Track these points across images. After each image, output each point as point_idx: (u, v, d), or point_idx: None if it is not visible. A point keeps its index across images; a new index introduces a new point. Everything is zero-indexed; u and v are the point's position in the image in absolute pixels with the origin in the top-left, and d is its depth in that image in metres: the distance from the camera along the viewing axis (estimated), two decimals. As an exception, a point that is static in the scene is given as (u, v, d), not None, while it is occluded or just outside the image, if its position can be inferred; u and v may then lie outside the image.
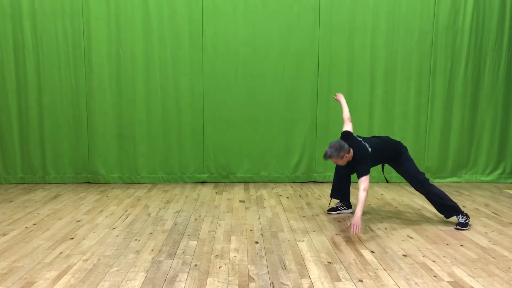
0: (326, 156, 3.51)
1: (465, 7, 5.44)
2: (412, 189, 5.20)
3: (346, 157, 3.53)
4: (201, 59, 5.38)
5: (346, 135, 3.75)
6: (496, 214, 4.15)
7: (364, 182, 3.46)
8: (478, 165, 5.72)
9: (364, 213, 4.12)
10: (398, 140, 3.94)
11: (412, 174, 3.72)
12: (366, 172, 3.50)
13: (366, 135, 5.52)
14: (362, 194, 3.40)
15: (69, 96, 5.32)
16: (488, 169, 5.72)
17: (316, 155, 5.58)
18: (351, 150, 3.57)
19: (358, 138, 3.72)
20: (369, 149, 3.59)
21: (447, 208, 3.70)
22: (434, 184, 3.87)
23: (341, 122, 5.42)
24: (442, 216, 4.02)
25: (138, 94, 5.37)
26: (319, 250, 3.12)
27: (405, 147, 3.87)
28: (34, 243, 3.23)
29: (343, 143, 3.53)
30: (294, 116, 5.52)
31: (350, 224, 3.39)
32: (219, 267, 2.79)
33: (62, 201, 4.55)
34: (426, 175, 3.79)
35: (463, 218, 3.68)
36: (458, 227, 3.65)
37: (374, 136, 3.95)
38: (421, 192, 3.74)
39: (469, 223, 3.70)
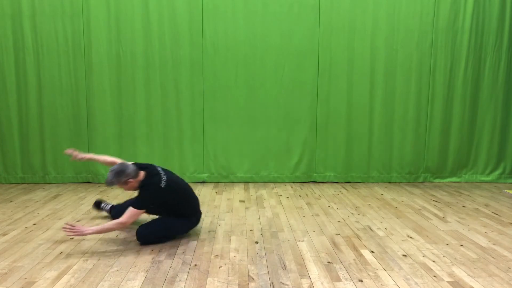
0: (107, 183, 3.05)
1: (465, 8, 5.44)
2: (412, 189, 5.21)
3: (131, 182, 3.07)
4: (201, 59, 5.38)
5: (145, 165, 3.27)
6: (496, 214, 4.15)
7: (128, 213, 3.01)
8: (478, 165, 5.72)
9: (364, 213, 4.13)
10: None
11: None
12: (140, 206, 3.05)
13: (366, 136, 5.56)
14: (112, 224, 3.03)
15: (69, 96, 5.32)
16: (488, 169, 5.72)
17: (316, 155, 5.58)
18: (140, 175, 3.13)
19: (161, 169, 3.26)
20: (163, 183, 3.12)
21: None
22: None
23: (341, 121, 5.53)
24: (442, 216, 4.03)
25: (138, 94, 5.38)
26: (319, 250, 3.12)
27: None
28: (34, 243, 3.23)
29: (126, 165, 3.09)
30: (294, 116, 5.52)
31: (73, 226, 2.98)
32: (219, 267, 2.79)
33: (62, 201, 4.55)
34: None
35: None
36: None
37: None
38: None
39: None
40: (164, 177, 3.17)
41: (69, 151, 3.49)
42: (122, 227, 3.07)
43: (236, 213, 4.10)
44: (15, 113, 5.31)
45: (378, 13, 5.40)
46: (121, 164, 3.12)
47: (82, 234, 2.98)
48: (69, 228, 2.95)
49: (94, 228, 3.03)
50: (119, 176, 3.04)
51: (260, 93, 5.47)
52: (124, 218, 3.03)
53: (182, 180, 3.42)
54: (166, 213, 3.31)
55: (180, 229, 3.34)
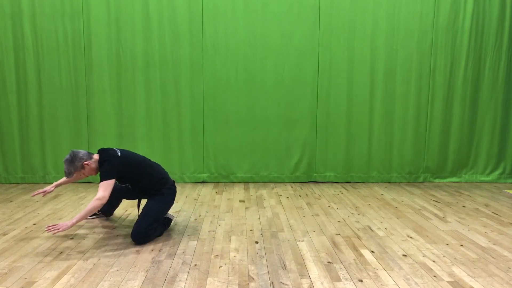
0: (66, 174, 3.18)
1: (465, 7, 5.44)
2: (412, 189, 5.21)
3: (89, 164, 3.18)
4: (201, 59, 5.38)
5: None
6: (496, 214, 4.15)
7: (102, 188, 3.03)
8: (478, 165, 5.72)
9: (364, 213, 4.13)
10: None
11: (150, 216, 3.28)
12: (107, 176, 3.08)
13: (366, 135, 5.56)
14: (91, 203, 3.00)
15: (69, 96, 5.32)
16: (488, 169, 5.72)
17: (316, 155, 5.58)
18: (94, 156, 3.24)
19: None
20: (118, 152, 3.25)
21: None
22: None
23: (341, 121, 5.53)
24: (442, 216, 4.04)
25: (138, 94, 5.38)
26: (319, 250, 3.12)
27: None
28: (34, 243, 3.23)
29: (76, 151, 3.18)
30: (294, 116, 5.52)
31: (55, 224, 3.00)
32: (219, 267, 2.79)
33: (62, 201, 4.55)
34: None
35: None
36: None
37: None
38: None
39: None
40: (118, 150, 3.30)
41: (35, 193, 3.48)
42: (101, 202, 3.04)
43: (236, 213, 4.10)
44: (15, 113, 5.31)
45: (378, 13, 5.40)
46: (71, 152, 3.20)
47: (68, 227, 2.99)
48: (52, 227, 2.96)
49: (77, 216, 3.02)
50: (73, 162, 3.14)
51: (260, 93, 5.47)
52: (99, 193, 3.04)
53: (137, 153, 3.52)
54: (136, 186, 3.42)
55: (160, 207, 3.39)
